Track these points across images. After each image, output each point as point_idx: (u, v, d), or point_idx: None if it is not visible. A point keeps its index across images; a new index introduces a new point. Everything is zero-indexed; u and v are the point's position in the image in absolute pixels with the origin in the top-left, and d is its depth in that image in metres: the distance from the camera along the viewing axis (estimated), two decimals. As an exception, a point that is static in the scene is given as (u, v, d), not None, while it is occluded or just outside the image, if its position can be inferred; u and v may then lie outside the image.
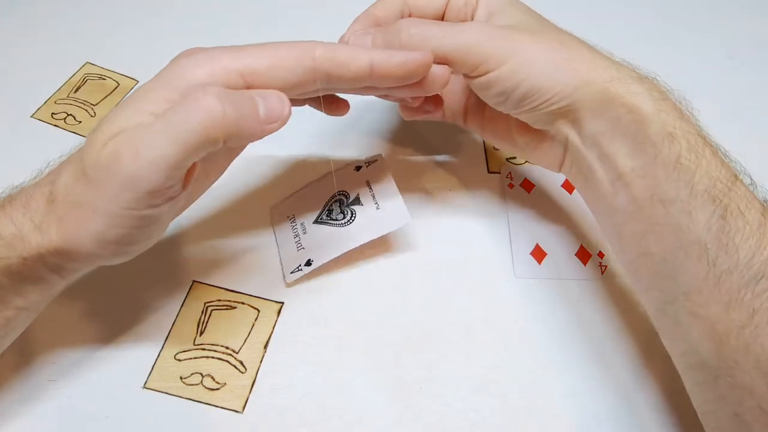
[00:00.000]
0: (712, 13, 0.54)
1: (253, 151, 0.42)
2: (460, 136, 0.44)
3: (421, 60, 0.28)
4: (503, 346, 0.34)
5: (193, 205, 0.39)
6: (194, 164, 0.26)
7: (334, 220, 0.36)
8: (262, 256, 0.37)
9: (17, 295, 0.27)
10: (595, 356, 0.33)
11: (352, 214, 0.36)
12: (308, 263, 0.35)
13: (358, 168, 0.38)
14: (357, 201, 0.36)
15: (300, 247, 0.36)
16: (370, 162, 0.38)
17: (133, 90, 0.46)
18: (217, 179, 0.32)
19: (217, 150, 0.25)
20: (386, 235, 0.35)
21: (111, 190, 0.24)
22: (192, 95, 0.24)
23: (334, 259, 0.35)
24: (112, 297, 0.35)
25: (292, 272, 0.36)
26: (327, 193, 0.38)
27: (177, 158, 0.24)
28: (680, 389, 0.32)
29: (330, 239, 0.36)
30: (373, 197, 0.36)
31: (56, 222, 0.25)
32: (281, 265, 0.37)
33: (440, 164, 0.42)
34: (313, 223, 0.37)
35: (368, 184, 0.37)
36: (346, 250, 0.35)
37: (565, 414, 0.32)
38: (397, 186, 0.36)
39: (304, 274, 0.35)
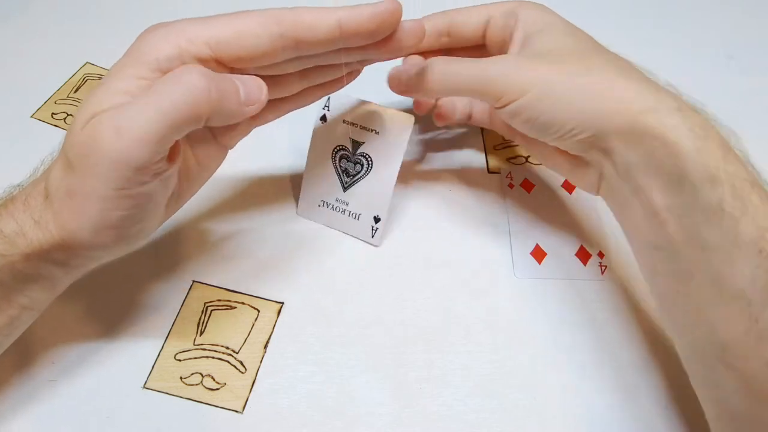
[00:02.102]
0: (711, 14, 0.54)
1: (250, 151, 0.43)
2: (460, 136, 0.44)
3: (388, 8, 0.27)
4: (503, 346, 0.34)
5: (193, 205, 0.39)
6: (177, 141, 0.26)
7: (356, 174, 0.36)
8: (262, 256, 0.37)
9: (21, 294, 0.27)
10: (594, 356, 0.33)
11: (366, 158, 0.36)
12: (377, 219, 0.36)
13: (323, 118, 0.37)
14: (357, 144, 0.36)
15: (356, 216, 0.37)
16: (327, 105, 0.37)
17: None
18: (212, 173, 0.32)
19: (199, 128, 0.25)
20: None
21: (97, 172, 0.24)
22: (177, 72, 0.24)
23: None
24: (112, 297, 0.35)
25: (373, 236, 0.37)
26: (326, 160, 0.37)
27: (162, 133, 0.24)
28: (679, 390, 0.32)
29: (372, 190, 0.36)
30: (365, 129, 0.35)
31: (53, 216, 0.25)
32: (359, 239, 0.38)
33: (440, 164, 0.42)
34: (344, 192, 0.37)
35: (348, 122, 0.36)
36: (392, 186, 0.35)
37: (564, 414, 0.32)
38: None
39: (383, 229, 0.37)
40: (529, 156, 0.43)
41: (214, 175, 0.41)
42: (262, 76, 0.28)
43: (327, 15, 0.27)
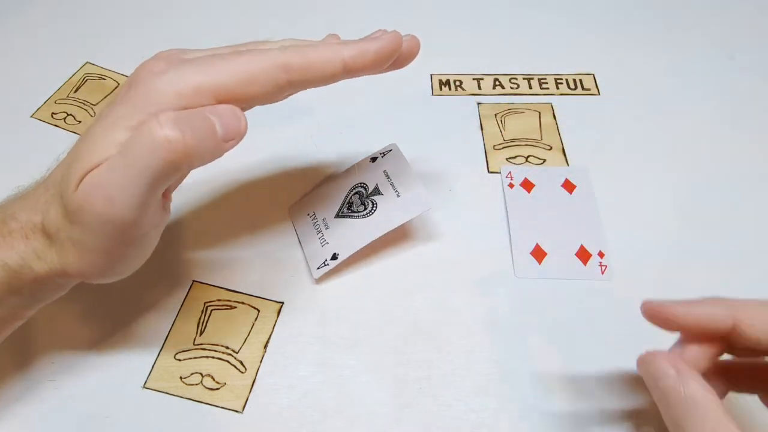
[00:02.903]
0: (712, 14, 0.54)
1: (253, 152, 0.43)
2: (460, 136, 0.44)
3: (393, 46, 0.27)
4: (503, 345, 0.34)
5: (193, 205, 0.40)
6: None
7: (355, 212, 0.36)
8: (262, 256, 0.37)
9: (27, 309, 0.28)
10: (594, 356, 0.33)
11: (373, 204, 0.36)
12: (334, 257, 0.36)
13: (373, 159, 0.38)
14: (377, 191, 0.37)
15: (324, 242, 0.36)
16: (384, 153, 0.38)
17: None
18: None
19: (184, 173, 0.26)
20: (402, 226, 0.35)
21: (98, 233, 0.24)
22: (147, 126, 0.23)
23: (360, 250, 0.35)
24: (112, 297, 0.35)
25: (318, 268, 0.36)
26: (345, 187, 0.38)
27: (148, 194, 0.24)
28: (680, 389, 0.32)
29: (353, 231, 0.36)
30: (393, 186, 0.36)
31: (57, 256, 0.26)
32: (306, 262, 0.37)
33: (440, 164, 0.42)
34: (335, 217, 0.37)
35: (386, 174, 0.37)
36: (370, 240, 0.35)
37: (564, 414, 0.32)
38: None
39: (331, 269, 0.35)
40: (529, 156, 0.43)
41: (215, 174, 0.41)
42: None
43: (332, 56, 0.26)
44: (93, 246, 0.25)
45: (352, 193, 0.38)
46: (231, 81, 0.25)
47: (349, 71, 0.27)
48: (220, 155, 0.25)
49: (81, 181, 0.24)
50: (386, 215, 0.36)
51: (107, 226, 0.24)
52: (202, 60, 0.26)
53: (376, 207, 0.36)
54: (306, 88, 0.28)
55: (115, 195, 0.23)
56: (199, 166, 0.25)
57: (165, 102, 0.24)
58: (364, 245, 0.35)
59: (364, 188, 0.37)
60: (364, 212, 0.36)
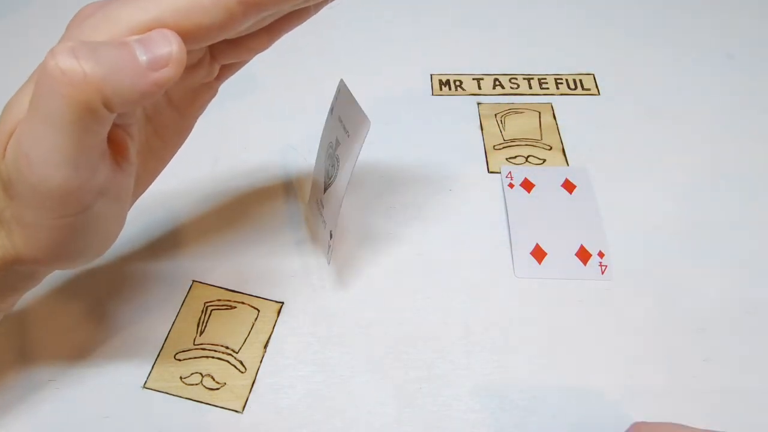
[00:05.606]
0: (711, 13, 0.54)
1: (252, 149, 0.43)
2: (460, 136, 0.44)
3: None
4: (503, 346, 0.34)
5: (193, 205, 0.40)
6: (119, 139, 0.23)
7: (332, 177, 0.33)
8: (262, 256, 0.37)
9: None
10: (594, 356, 0.33)
11: (338, 159, 0.32)
12: (331, 235, 0.34)
13: (332, 110, 0.34)
14: (338, 143, 0.33)
15: (324, 224, 0.35)
16: (337, 96, 0.33)
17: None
18: (179, 147, 0.29)
19: (107, 121, 0.20)
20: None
21: (34, 204, 0.21)
22: (44, 62, 0.19)
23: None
24: (112, 297, 0.35)
25: (327, 252, 0.35)
26: (323, 157, 0.35)
27: (68, 147, 0.20)
28: (678, 390, 0.32)
29: (332, 199, 0.33)
30: (344, 128, 0.32)
31: (7, 236, 0.23)
32: (319, 251, 0.36)
33: (440, 164, 0.42)
34: (324, 193, 0.34)
35: (340, 120, 0.32)
36: (342, 198, 0.32)
37: (564, 414, 0.32)
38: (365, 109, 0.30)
39: (333, 247, 0.34)
40: (529, 156, 0.43)
41: (214, 173, 0.41)
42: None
43: None
44: (34, 221, 0.22)
45: (327, 159, 0.34)
46: (170, 11, 0.20)
47: None
48: (154, 89, 0.20)
49: (6, 146, 0.21)
50: (344, 165, 0.32)
51: (37, 192, 0.21)
52: None
53: (338, 161, 0.32)
54: (269, 11, 0.22)
55: (30, 152, 0.20)
56: (126, 106, 0.20)
57: None
58: (338, 211, 0.32)
59: (331, 147, 0.33)
60: (335, 174, 0.33)
